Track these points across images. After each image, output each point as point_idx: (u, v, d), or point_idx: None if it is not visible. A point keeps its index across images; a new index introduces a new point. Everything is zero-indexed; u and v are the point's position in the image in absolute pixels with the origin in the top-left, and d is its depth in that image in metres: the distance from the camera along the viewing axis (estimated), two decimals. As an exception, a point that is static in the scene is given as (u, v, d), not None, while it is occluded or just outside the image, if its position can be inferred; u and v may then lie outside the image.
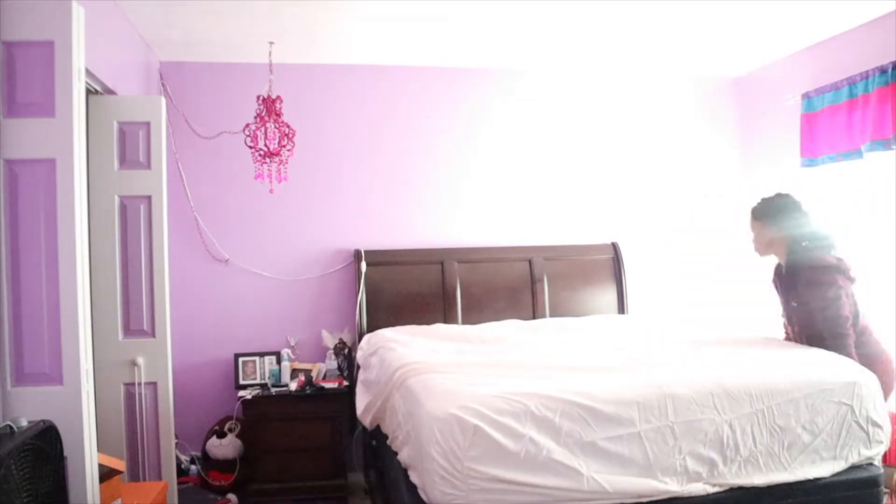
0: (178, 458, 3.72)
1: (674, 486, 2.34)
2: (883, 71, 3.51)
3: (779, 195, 3.18)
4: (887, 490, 2.93)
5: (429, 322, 3.99)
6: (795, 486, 2.48)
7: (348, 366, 4.08)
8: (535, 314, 4.32)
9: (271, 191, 3.78)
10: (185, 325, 4.07)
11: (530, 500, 2.20)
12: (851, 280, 2.96)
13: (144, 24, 3.62)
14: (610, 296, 4.48)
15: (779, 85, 4.46)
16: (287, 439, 3.81)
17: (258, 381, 4.07)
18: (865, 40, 3.74)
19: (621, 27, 3.84)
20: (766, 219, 3.13)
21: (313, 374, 4.03)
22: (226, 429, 3.95)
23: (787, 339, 3.24)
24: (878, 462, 2.66)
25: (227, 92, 4.23)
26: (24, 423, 1.99)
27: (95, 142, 3.12)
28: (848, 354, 2.83)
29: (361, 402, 3.30)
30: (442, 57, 4.32)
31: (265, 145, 3.76)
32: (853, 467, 2.60)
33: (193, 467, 3.95)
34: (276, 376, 4.00)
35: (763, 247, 3.17)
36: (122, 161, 3.25)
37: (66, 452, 2.11)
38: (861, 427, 2.58)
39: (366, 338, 3.76)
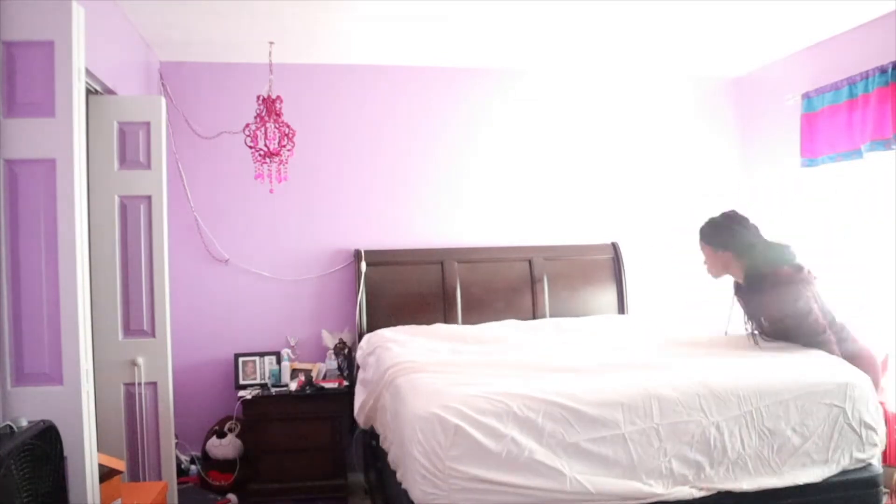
0: (178, 458, 3.72)
1: (659, 489, 2.33)
2: (883, 71, 3.51)
3: (724, 215, 3.10)
4: (887, 490, 2.93)
5: (429, 322, 3.99)
6: (790, 488, 2.47)
7: (348, 366, 4.08)
8: (535, 314, 4.32)
9: (271, 191, 3.79)
10: (185, 325, 4.07)
11: (512, 501, 2.21)
12: (812, 282, 2.91)
13: (144, 24, 3.62)
14: (610, 296, 4.48)
15: (779, 85, 4.45)
16: (287, 439, 3.81)
17: (258, 381, 4.07)
18: (865, 40, 3.74)
19: (621, 27, 3.84)
20: (716, 240, 3.05)
21: (313, 374, 4.03)
22: (226, 429, 3.95)
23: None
24: (877, 462, 2.65)
25: (227, 92, 4.23)
26: (24, 423, 1.99)
27: (95, 142, 3.12)
28: (830, 347, 2.82)
29: (358, 401, 3.30)
30: (442, 57, 4.32)
31: (265, 145, 3.76)
32: (851, 468, 2.59)
33: (193, 467, 3.95)
34: (276, 376, 4.00)
35: (717, 269, 3.10)
36: (122, 161, 3.25)
37: (66, 452, 2.11)
38: (853, 429, 2.57)
39: (366, 337, 3.76)
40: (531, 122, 4.61)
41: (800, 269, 2.91)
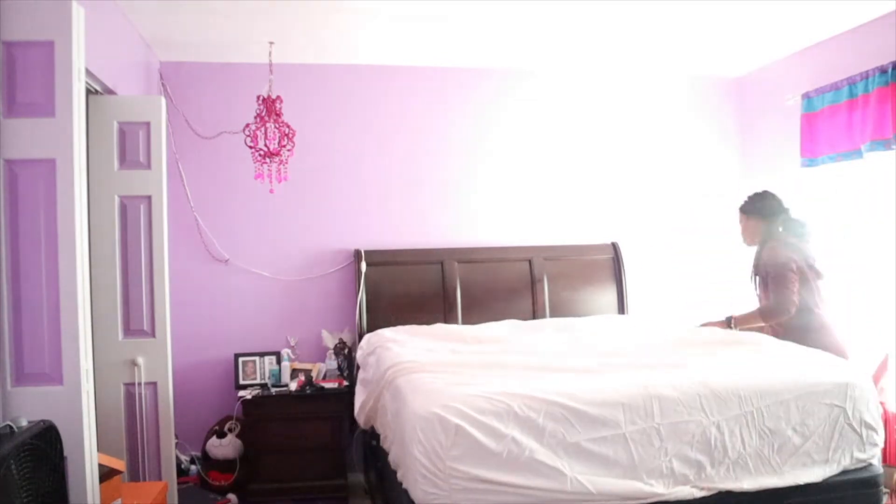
0: (178, 458, 3.72)
1: (660, 489, 2.33)
2: (883, 71, 3.51)
3: (761, 191, 3.58)
4: (887, 490, 2.93)
5: (429, 322, 3.99)
6: (791, 487, 2.47)
7: (348, 366, 4.08)
8: (535, 314, 4.32)
9: (271, 191, 3.79)
10: (185, 325, 4.07)
11: (513, 501, 2.20)
12: (816, 274, 3.28)
13: (144, 24, 3.62)
14: (610, 296, 4.49)
15: (779, 85, 4.45)
16: (287, 439, 3.81)
17: (258, 381, 4.07)
18: (865, 40, 3.74)
19: (621, 27, 3.84)
20: (749, 208, 3.53)
21: (313, 374, 4.03)
22: (226, 429, 3.94)
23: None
24: (877, 462, 2.65)
25: (227, 92, 4.23)
26: (24, 423, 1.99)
27: (95, 142, 3.12)
28: (789, 304, 3.16)
29: (358, 401, 3.30)
30: (442, 57, 4.32)
31: (265, 145, 3.76)
32: (851, 468, 2.59)
33: (193, 467, 3.96)
34: (276, 376, 4.00)
35: (749, 235, 3.55)
36: (122, 161, 3.25)
37: (66, 452, 2.11)
38: (854, 429, 2.57)
39: (366, 337, 3.76)
40: (531, 123, 4.61)
41: (805, 258, 3.27)
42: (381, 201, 4.43)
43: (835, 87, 3.86)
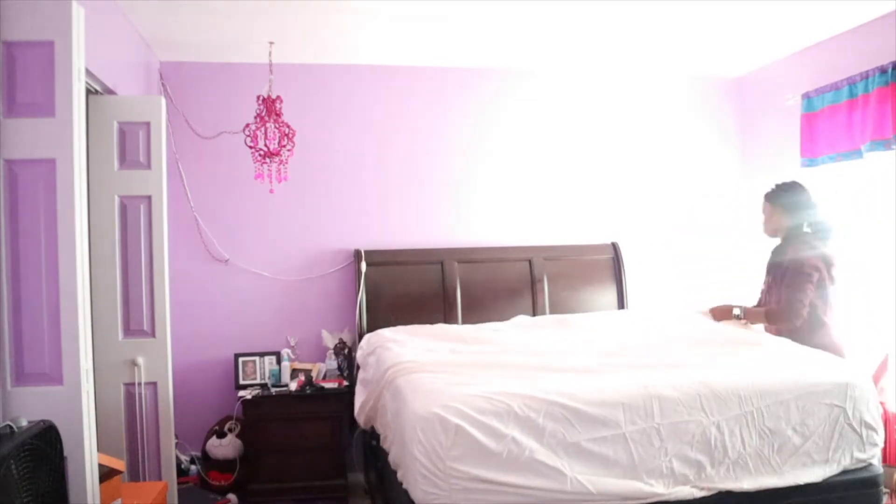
0: (178, 458, 3.72)
1: (660, 489, 2.33)
2: (883, 71, 3.51)
3: (791, 181, 3.43)
4: (887, 490, 2.93)
5: (429, 322, 3.99)
6: (791, 487, 2.47)
7: (348, 366, 4.08)
8: (535, 314, 4.30)
9: (271, 191, 3.79)
10: (185, 325, 4.07)
11: (513, 501, 2.21)
12: (831, 279, 3.17)
13: (144, 24, 3.62)
14: (610, 296, 4.48)
15: (779, 85, 4.45)
16: (287, 439, 3.81)
17: (258, 381, 4.07)
18: (865, 40, 3.74)
19: (621, 27, 3.84)
20: (776, 198, 3.38)
21: (313, 374, 4.03)
22: (226, 429, 3.94)
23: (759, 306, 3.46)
24: (877, 462, 2.65)
25: (227, 92, 4.23)
26: (24, 423, 1.99)
27: (95, 142, 3.12)
28: (796, 317, 3.08)
29: (358, 401, 3.30)
30: (442, 57, 4.32)
31: (265, 145, 3.76)
32: (851, 468, 2.59)
33: (193, 467, 3.96)
34: (276, 376, 4.00)
35: (771, 225, 3.41)
36: (122, 161, 3.25)
37: (66, 452, 2.11)
38: (854, 430, 2.57)
39: (366, 337, 3.76)
40: (531, 123, 4.61)
41: (826, 261, 3.17)
42: (381, 201, 4.43)
43: (835, 87, 3.86)
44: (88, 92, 3.05)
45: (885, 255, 3.62)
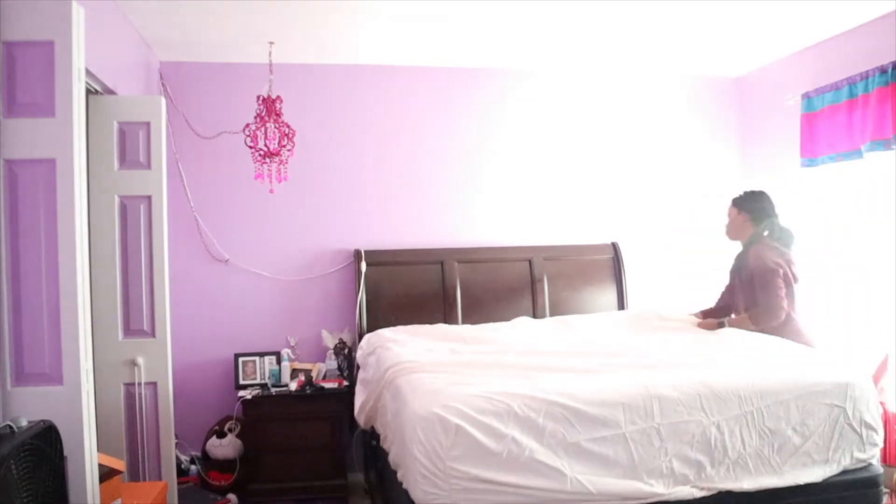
0: (178, 458, 3.72)
1: (660, 489, 2.33)
2: (883, 71, 3.51)
3: (758, 190, 3.60)
4: (887, 490, 2.93)
5: (429, 322, 3.99)
6: (791, 487, 2.47)
7: (348, 366, 4.08)
8: (535, 314, 4.31)
9: (271, 191, 3.79)
10: (185, 325, 4.07)
11: (513, 501, 2.21)
12: (794, 277, 3.35)
13: (144, 24, 3.62)
14: (610, 296, 4.48)
15: (779, 85, 4.45)
16: (287, 439, 3.81)
17: (258, 381, 4.07)
18: (865, 40, 3.74)
19: (622, 27, 3.84)
20: (743, 203, 3.55)
21: (313, 374, 4.03)
22: (226, 429, 3.94)
23: (719, 306, 3.72)
24: (877, 462, 2.65)
25: (227, 92, 4.23)
26: (24, 423, 1.99)
27: (95, 142, 3.12)
28: (778, 311, 3.22)
29: (358, 401, 3.30)
30: (441, 57, 4.32)
31: (265, 145, 3.76)
32: (851, 469, 2.59)
33: (193, 467, 3.96)
34: (276, 376, 4.00)
35: (735, 230, 3.57)
36: (122, 161, 3.25)
37: (66, 452, 2.11)
38: (854, 429, 2.58)
39: (366, 337, 3.76)
40: (531, 123, 4.61)
41: (787, 262, 3.35)
42: (381, 201, 4.43)
43: (835, 87, 3.86)
44: (88, 92, 3.05)
45: (885, 255, 3.62)
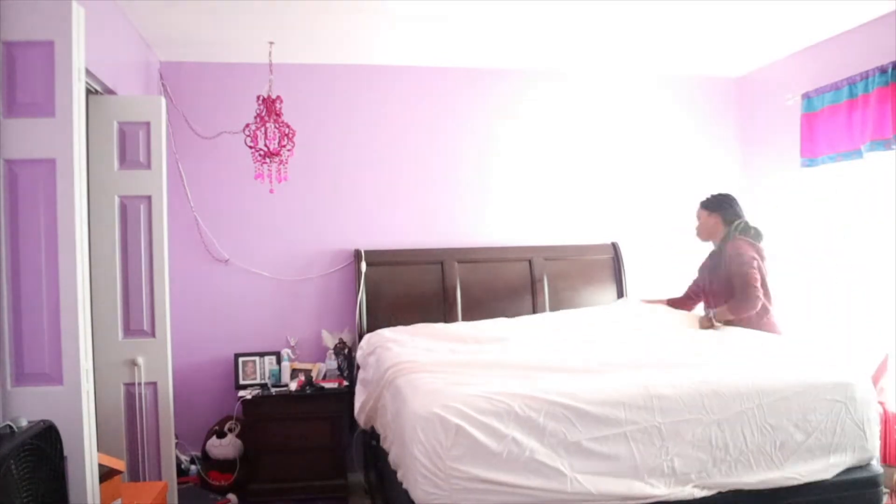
0: (178, 458, 3.72)
1: (661, 488, 2.33)
2: (883, 71, 3.51)
3: (723, 193, 3.79)
4: (887, 490, 2.93)
5: (429, 322, 3.98)
6: (793, 487, 2.47)
7: (348, 366, 4.08)
8: (535, 314, 4.31)
9: (271, 191, 3.79)
10: (185, 325, 4.07)
11: (513, 501, 2.21)
12: (766, 270, 3.50)
13: (144, 24, 3.62)
14: (610, 296, 4.48)
15: (779, 85, 4.45)
16: (287, 439, 3.81)
17: (258, 381, 4.07)
18: (865, 40, 3.74)
19: (622, 28, 3.84)
20: (712, 205, 3.71)
21: (313, 374, 4.03)
22: (226, 429, 3.95)
23: (688, 296, 3.97)
24: (877, 462, 2.65)
25: (227, 92, 4.23)
26: (24, 423, 1.99)
27: (95, 142, 3.12)
28: (755, 300, 3.34)
29: (358, 401, 3.30)
30: (441, 57, 4.32)
31: (265, 145, 3.76)
32: (852, 467, 2.59)
33: (193, 467, 3.95)
34: (276, 376, 4.00)
35: (705, 232, 3.75)
36: (122, 161, 3.25)
37: (66, 452, 2.11)
38: (857, 425, 2.57)
39: (366, 337, 3.76)
40: (531, 124, 4.61)
41: (758, 246, 3.55)
42: (381, 201, 4.43)
43: (835, 87, 3.86)
44: (88, 92, 3.05)
45: (885, 255, 3.62)
